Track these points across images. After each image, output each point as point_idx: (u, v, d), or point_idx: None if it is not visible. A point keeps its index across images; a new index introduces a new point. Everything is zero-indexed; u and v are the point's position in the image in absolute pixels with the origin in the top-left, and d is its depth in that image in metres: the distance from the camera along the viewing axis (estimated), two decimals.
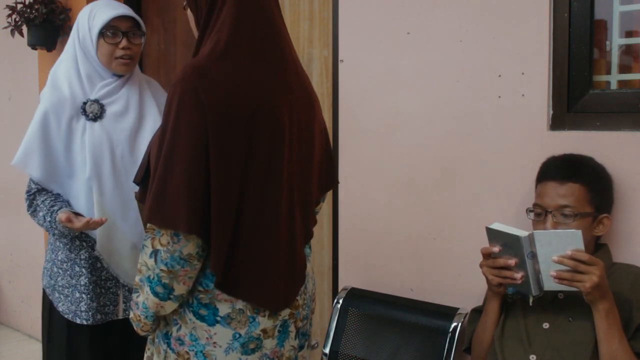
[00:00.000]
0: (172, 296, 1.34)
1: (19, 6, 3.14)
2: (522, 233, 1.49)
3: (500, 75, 1.95)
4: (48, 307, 1.99)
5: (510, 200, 1.93)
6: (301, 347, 1.52)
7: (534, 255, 1.49)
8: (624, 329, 1.49)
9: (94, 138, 1.88)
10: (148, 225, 1.33)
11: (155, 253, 1.32)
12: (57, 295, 1.94)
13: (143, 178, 1.41)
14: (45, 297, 2.01)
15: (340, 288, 2.32)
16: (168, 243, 1.29)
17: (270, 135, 1.36)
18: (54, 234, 1.89)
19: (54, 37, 3.18)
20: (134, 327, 1.46)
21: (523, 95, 1.90)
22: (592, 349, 1.50)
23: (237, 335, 1.37)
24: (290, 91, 1.42)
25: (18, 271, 4.05)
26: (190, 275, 1.33)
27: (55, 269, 1.94)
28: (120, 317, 1.94)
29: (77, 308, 1.90)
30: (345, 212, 2.36)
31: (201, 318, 1.37)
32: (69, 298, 1.91)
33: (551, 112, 1.88)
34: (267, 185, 1.37)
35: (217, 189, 1.29)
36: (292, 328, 1.47)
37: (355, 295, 2.20)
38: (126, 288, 1.94)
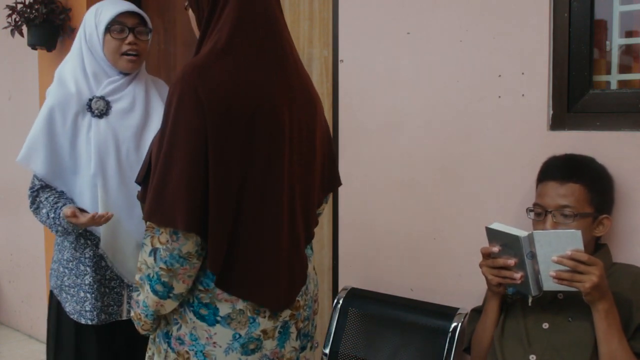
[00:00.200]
0: (171, 295, 1.34)
1: (19, 6, 3.14)
2: (521, 233, 1.49)
3: (500, 75, 1.95)
4: (55, 309, 1.98)
5: (510, 200, 1.93)
6: (303, 348, 1.52)
7: (533, 255, 1.49)
8: (624, 329, 1.49)
9: (99, 135, 1.87)
10: (147, 223, 1.34)
11: (154, 251, 1.32)
12: (64, 295, 1.94)
13: (145, 178, 1.41)
14: (52, 298, 2.00)
15: (340, 288, 2.32)
16: (167, 241, 1.30)
17: (270, 134, 1.36)
18: (56, 231, 1.88)
19: (54, 37, 3.18)
20: (135, 326, 1.46)
21: (523, 95, 1.90)
22: (592, 349, 1.50)
23: (237, 336, 1.37)
24: (290, 91, 1.42)
25: (18, 271, 4.06)
26: (189, 274, 1.33)
27: (61, 269, 1.94)
28: (124, 317, 1.94)
29: (82, 308, 1.90)
30: (345, 212, 2.36)
31: (201, 318, 1.37)
32: (75, 298, 1.91)
33: (551, 112, 1.88)
34: (267, 184, 1.37)
35: (216, 187, 1.29)
36: (293, 329, 1.46)
37: (355, 295, 2.20)
38: (130, 288, 1.94)
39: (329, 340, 2.16)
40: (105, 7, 1.92)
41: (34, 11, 3.08)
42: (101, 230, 1.88)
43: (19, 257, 4.02)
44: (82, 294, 1.89)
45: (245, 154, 1.33)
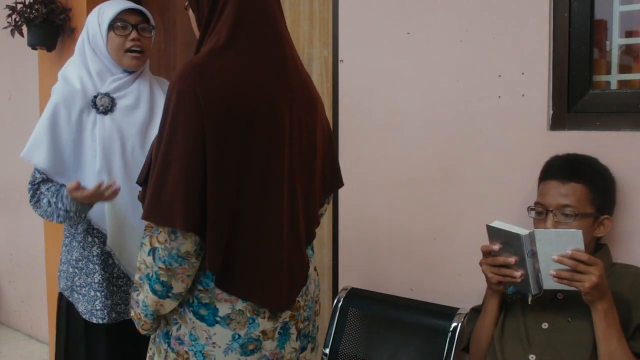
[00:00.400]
0: (170, 294, 1.34)
1: (19, 6, 3.14)
2: (522, 231, 1.48)
3: (500, 75, 1.95)
4: (65, 311, 1.97)
5: (510, 200, 1.93)
6: (303, 349, 1.51)
7: (534, 254, 1.49)
8: (623, 329, 1.49)
9: (104, 131, 1.87)
10: (146, 223, 1.34)
11: (153, 251, 1.32)
12: (76, 296, 1.93)
13: (145, 178, 1.41)
14: (61, 300, 1.99)
15: (340, 288, 2.32)
16: (166, 240, 1.30)
17: (269, 134, 1.36)
18: (57, 217, 1.84)
19: (54, 37, 3.18)
20: (136, 326, 1.46)
21: (523, 95, 1.90)
22: (591, 348, 1.50)
23: (237, 336, 1.37)
24: (290, 91, 1.42)
25: (18, 271, 4.06)
26: (188, 274, 1.33)
27: (71, 269, 1.93)
28: (131, 316, 1.93)
29: (92, 307, 1.89)
30: (345, 212, 2.36)
31: (201, 318, 1.37)
32: (86, 297, 1.90)
33: (551, 112, 1.88)
34: (267, 184, 1.37)
35: (214, 187, 1.29)
36: (293, 330, 1.46)
37: (355, 295, 2.20)
38: (134, 287, 1.93)
39: (329, 340, 2.16)
40: (107, 7, 1.93)
41: (34, 11, 3.08)
42: (108, 227, 1.88)
43: (19, 257, 4.03)
44: (92, 293, 1.89)
45: (244, 154, 1.33)
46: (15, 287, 4.10)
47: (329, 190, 1.61)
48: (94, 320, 1.89)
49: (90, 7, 3.07)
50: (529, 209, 1.67)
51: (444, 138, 2.08)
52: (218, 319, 1.36)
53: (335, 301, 2.21)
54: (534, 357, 1.57)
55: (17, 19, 3.15)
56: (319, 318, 1.61)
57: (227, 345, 1.37)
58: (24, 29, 3.19)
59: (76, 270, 1.92)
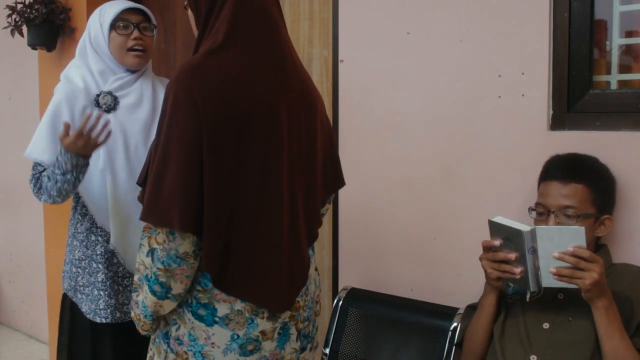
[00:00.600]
0: (169, 295, 1.34)
1: (19, 6, 3.14)
2: (524, 227, 1.48)
3: (500, 75, 1.95)
4: (69, 312, 1.97)
5: (510, 200, 1.93)
6: (303, 349, 1.51)
7: (534, 251, 1.48)
8: (625, 326, 1.49)
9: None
10: (144, 224, 1.33)
11: (152, 251, 1.32)
12: (79, 296, 1.93)
13: (145, 179, 1.41)
14: (65, 301, 1.99)
15: (340, 288, 2.32)
16: (164, 241, 1.30)
17: (267, 134, 1.36)
18: (55, 182, 1.79)
19: (54, 37, 3.18)
20: (136, 327, 1.46)
21: (523, 95, 1.90)
22: (592, 347, 1.50)
23: (235, 337, 1.37)
24: (289, 91, 1.42)
25: (18, 271, 4.06)
26: (187, 274, 1.33)
27: (74, 269, 1.93)
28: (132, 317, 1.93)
29: (96, 306, 1.89)
30: (346, 212, 2.36)
31: (200, 318, 1.37)
32: (89, 297, 1.90)
33: (551, 112, 1.88)
34: (265, 184, 1.36)
35: (210, 187, 1.29)
36: (292, 330, 1.46)
37: (355, 295, 2.20)
38: (134, 288, 1.93)
39: (329, 340, 2.16)
40: (108, 7, 1.93)
41: (34, 11, 3.08)
42: (111, 226, 1.87)
43: (19, 257, 4.03)
44: (96, 292, 1.89)
45: (241, 154, 1.33)
46: (15, 287, 4.10)
47: (330, 190, 1.60)
48: (98, 320, 1.89)
49: (90, 7, 3.08)
50: (530, 209, 1.67)
51: (444, 138, 2.08)
52: (217, 319, 1.36)
53: (335, 301, 2.21)
54: (535, 357, 1.56)
55: (17, 19, 3.15)
56: (319, 318, 1.61)
57: (226, 345, 1.37)
58: (24, 29, 3.19)
59: (79, 270, 1.92)
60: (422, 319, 2.03)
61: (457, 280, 2.07)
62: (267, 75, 1.38)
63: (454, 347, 1.89)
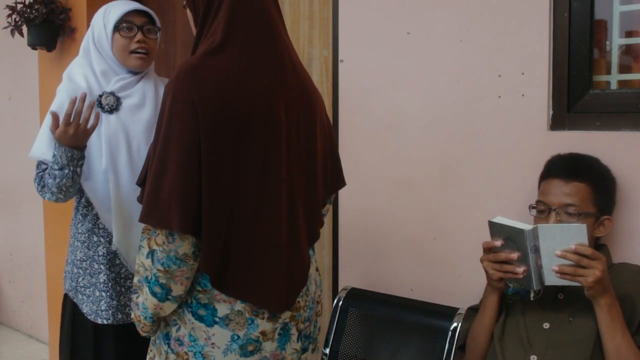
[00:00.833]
0: (170, 297, 1.34)
1: (19, 6, 3.14)
2: (526, 226, 1.48)
3: (500, 75, 1.95)
4: (70, 313, 1.96)
5: (510, 200, 1.93)
6: (304, 350, 1.51)
7: (537, 249, 1.48)
8: (627, 324, 1.49)
9: (109, 130, 1.86)
10: (144, 225, 1.33)
11: (151, 253, 1.32)
12: (80, 297, 1.92)
13: (145, 179, 1.41)
14: (66, 302, 1.98)
15: (340, 288, 2.32)
16: (164, 243, 1.30)
17: (265, 134, 1.36)
18: (55, 180, 1.79)
19: (54, 37, 3.18)
20: (136, 328, 1.46)
21: (523, 95, 1.90)
22: (592, 347, 1.50)
23: (236, 337, 1.37)
24: (288, 90, 1.41)
25: (18, 271, 4.06)
26: (187, 276, 1.33)
27: (75, 270, 1.92)
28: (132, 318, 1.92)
29: (97, 307, 1.88)
30: (345, 212, 2.36)
31: (200, 318, 1.37)
32: (91, 298, 1.89)
33: (551, 112, 1.88)
34: (264, 184, 1.36)
35: (209, 188, 1.29)
36: (293, 331, 1.46)
37: (355, 295, 2.20)
38: (133, 290, 1.93)
39: (329, 340, 2.16)
40: (113, 7, 1.92)
41: (34, 11, 3.08)
42: (113, 226, 1.87)
43: (19, 257, 4.03)
44: (97, 293, 1.88)
45: (240, 155, 1.33)
46: (15, 287, 4.10)
47: (330, 190, 1.60)
48: (99, 321, 1.88)
49: (90, 7, 3.08)
50: (531, 207, 1.67)
51: (444, 138, 2.08)
52: (217, 319, 1.36)
53: (335, 301, 2.21)
54: (536, 357, 1.56)
55: (17, 19, 3.16)
56: (320, 319, 1.60)
57: (227, 346, 1.37)
58: (24, 29, 3.19)
59: (80, 270, 1.91)
60: (422, 319, 2.02)
61: (457, 280, 2.07)
62: (266, 75, 1.38)
63: (453, 348, 1.89)
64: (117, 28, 1.88)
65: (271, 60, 1.40)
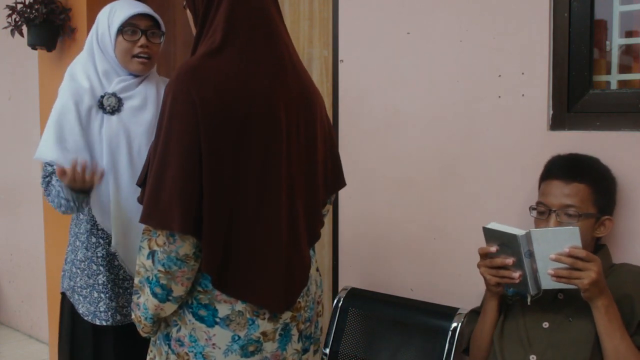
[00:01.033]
0: (170, 297, 1.34)
1: (19, 6, 3.14)
2: (519, 232, 1.49)
3: (500, 75, 1.95)
4: (69, 312, 1.96)
5: (510, 200, 1.93)
6: (305, 351, 1.51)
7: (531, 254, 1.49)
8: (626, 325, 1.49)
9: (110, 131, 1.86)
10: (144, 226, 1.33)
11: (152, 254, 1.32)
12: (76, 297, 1.92)
13: (145, 180, 1.41)
14: (64, 302, 1.98)
15: (340, 288, 2.32)
16: (164, 243, 1.29)
17: (266, 135, 1.36)
18: (60, 206, 1.81)
19: (54, 37, 3.18)
20: (137, 329, 1.46)
21: (523, 95, 1.90)
22: (592, 347, 1.50)
23: (236, 337, 1.37)
24: (288, 90, 1.41)
25: (18, 271, 4.06)
26: (188, 276, 1.33)
27: (74, 269, 1.92)
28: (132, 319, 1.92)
29: (96, 309, 1.88)
30: (345, 212, 2.36)
31: (200, 319, 1.37)
32: (88, 299, 1.89)
33: (551, 112, 1.88)
34: (264, 185, 1.36)
35: (209, 189, 1.29)
36: (294, 331, 1.46)
37: (355, 295, 2.20)
38: (134, 290, 1.92)
39: (329, 340, 2.16)
40: (119, 8, 1.90)
41: (34, 11, 3.08)
42: (112, 228, 1.87)
43: (19, 257, 4.03)
44: (95, 295, 1.88)
45: (240, 155, 1.33)
46: (15, 287, 4.10)
47: (331, 190, 1.60)
48: (97, 322, 1.88)
49: (90, 7, 3.08)
50: (531, 208, 1.67)
51: (444, 138, 2.08)
52: (217, 320, 1.36)
53: (335, 301, 2.21)
54: (535, 357, 1.56)
55: (17, 19, 3.15)
56: (321, 319, 1.60)
57: (227, 346, 1.37)
58: (24, 29, 3.19)
59: (78, 271, 1.91)
60: (422, 319, 2.03)
61: (457, 280, 2.07)
62: (266, 75, 1.38)
63: (453, 348, 1.89)
64: (121, 31, 1.87)
65: (271, 60, 1.40)
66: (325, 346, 2.15)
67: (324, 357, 2.15)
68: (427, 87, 2.11)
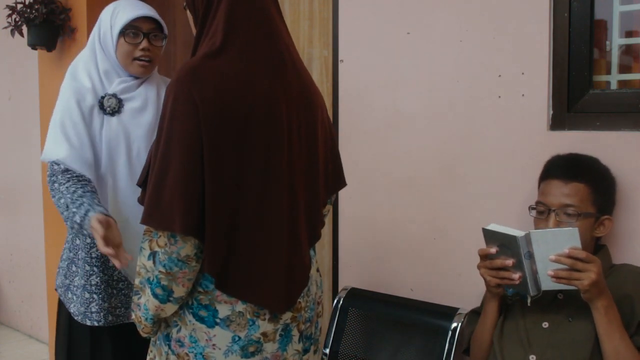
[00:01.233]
0: (171, 298, 1.34)
1: (19, 6, 3.14)
2: (518, 233, 1.49)
3: (500, 75, 1.95)
4: (67, 313, 1.95)
5: (510, 200, 1.93)
6: (305, 351, 1.51)
7: (531, 255, 1.49)
8: (626, 325, 1.49)
9: (110, 132, 1.85)
10: (145, 227, 1.33)
11: (153, 255, 1.32)
12: (69, 295, 1.91)
13: (145, 181, 1.40)
14: (61, 302, 1.97)
15: (340, 288, 2.32)
16: (165, 244, 1.29)
17: (267, 135, 1.36)
18: (67, 220, 1.77)
19: (54, 37, 3.18)
20: (137, 329, 1.46)
21: (523, 95, 1.90)
22: (592, 348, 1.50)
23: (237, 338, 1.37)
24: (289, 90, 1.41)
25: (18, 271, 4.06)
26: (189, 277, 1.33)
27: (74, 268, 1.91)
28: (132, 319, 1.91)
29: (87, 309, 1.87)
30: (345, 212, 2.36)
31: (201, 320, 1.37)
32: (79, 299, 1.88)
33: (551, 112, 1.88)
34: (265, 185, 1.36)
35: (211, 190, 1.29)
36: (295, 332, 1.46)
37: (355, 295, 2.20)
38: (134, 291, 1.92)
39: (329, 340, 2.16)
40: (122, 9, 1.88)
41: (34, 11, 3.08)
42: None
43: (19, 257, 4.03)
44: (87, 295, 1.87)
45: (242, 155, 1.33)
46: (15, 287, 4.10)
47: (331, 190, 1.60)
48: (89, 323, 1.87)
49: (90, 7, 3.08)
50: (530, 208, 1.67)
51: (443, 138, 2.08)
52: (218, 320, 1.36)
53: (335, 301, 2.21)
54: (535, 357, 1.57)
55: (17, 19, 3.15)
56: (321, 320, 1.60)
57: (227, 347, 1.37)
58: (24, 29, 3.19)
59: (79, 270, 1.91)
60: (422, 319, 2.03)
61: (457, 280, 2.07)
62: (267, 75, 1.38)
63: (453, 348, 1.89)
64: (123, 33, 1.85)
65: (272, 61, 1.40)
66: (325, 346, 2.15)
67: (324, 357, 2.15)
68: (427, 87, 2.11)
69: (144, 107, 1.91)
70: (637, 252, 1.72)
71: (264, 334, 1.39)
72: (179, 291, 1.34)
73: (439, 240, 2.11)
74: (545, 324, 1.59)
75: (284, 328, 1.43)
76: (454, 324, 1.93)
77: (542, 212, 1.63)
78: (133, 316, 1.45)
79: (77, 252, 1.92)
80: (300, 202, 1.44)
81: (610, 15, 1.82)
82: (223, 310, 1.36)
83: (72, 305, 1.90)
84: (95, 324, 1.87)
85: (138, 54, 1.87)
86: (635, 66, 1.84)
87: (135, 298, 1.43)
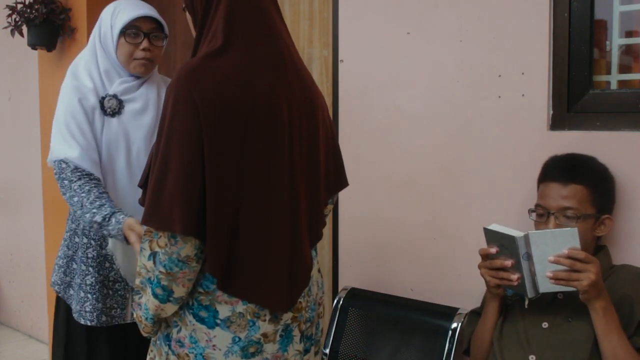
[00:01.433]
0: (171, 298, 1.34)
1: (19, 6, 3.14)
2: (517, 234, 1.48)
3: (500, 75, 1.95)
4: (64, 311, 1.95)
5: (510, 200, 1.93)
6: (306, 351, 1.51)
7: (529, 257, 1.48)
8: (625, 325, 1.49)
9: (110, 133, 1.85)
10: (145, 227, 1.33)
11: (154, 255, 1.32)
12: (70, 292, 1.91)
13: (146, 182, 1.40)
14: (59, 303, 1.98)
15: (340, 288, 2.32)
16: (166, 245, 1.29)
17: (267, 135, 1.36)
18: (77, 212, 1.78)
19: (54, 37, 3.18)
20: (138, 328, 1.46)
21: (523, 95, 1.90)
22: (591, 348, 1.50)
23: (237, 339, 1.37)
24: (289, 91, 1.41)
25: (18, 271, 4.06)
26: (189, 278, 1.33)
27: (74, 265, 1.91)
28: (129, 320, 1.91)
29: (81, 308, 1.87)
30: (346, 212, 2.36)
31: (201, 320, 1.37)
32: (76, 298, 1.89)
33: (551, 112, 1.88)
34: (266, 185, 1.36)
35: (213, 190, 1.29)
36: (295, 332, 1.45)
37: (355, 295, 2.20)
38: (135, 290, 1.92)
39: (329, 340, 2.16)
40: (122, 9, 1.88)
41: (34, 11, 3.08)
42: None
43: (19, 257, 4.03)
44: (82, 294, 1.88)
45: (243, 156, 1.33)
46: (15, 287, 4.10)
47: (333, 190, 1.60)
48: (82, 322, 1.87)
49: (90, 7, 3.08)
50: (530, 211, 1.67)
51: (444, 138, 2.08)
52: (218, 321, 1.36)
53: (335, 301, 2.21)
54: (534, 357, 1.56)
55: (17, 19, 3.16)
56: (322, 320, 1.60)
57: (228, 347, 1.37)
58: (24, 29, 3.19)
59: (72, 267, 1.91)
60: (422, 319, 2.03)
61: (457, 280, 2.07)
62: (267, 75, 1.38)
63: (453, 348, 1.89)
64: (123, 32, 1.85)
65: (272, 61, 1.39)
66: (325, 346, 2.15)
67: (324, 357, 2.15)
68: (427, 87, 2.11)
69: (144, 109, 1.91)
70: (637, 252, 1.72)
71: (264, 335, 1.39)
72: (179, 291, 1.34)
73: (439, 240, 2.11)
74: (545, 324, 1.59)
75: (285, 328, 1.43)
76: (454, 324, 1.93)
77: (542, 215, 1.63)
78: (134, 315, 1.45)
79: (76, 250, 1.92)
80: (301, 202, 1.44)
81: (610, 15, 1.82)
82: (223, 311, 1.36)
83: (72, 302, 1.91)
84: (89, 323, 1.87)
85: (139, 54, 1.87)
86: (635, 66, 1.84)
87: (136, 298, 1.43)
